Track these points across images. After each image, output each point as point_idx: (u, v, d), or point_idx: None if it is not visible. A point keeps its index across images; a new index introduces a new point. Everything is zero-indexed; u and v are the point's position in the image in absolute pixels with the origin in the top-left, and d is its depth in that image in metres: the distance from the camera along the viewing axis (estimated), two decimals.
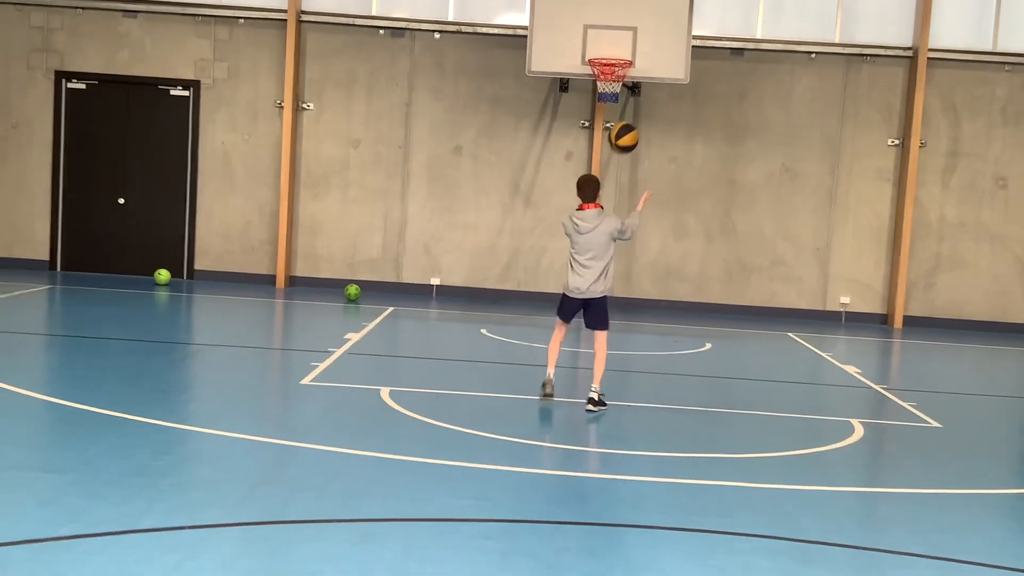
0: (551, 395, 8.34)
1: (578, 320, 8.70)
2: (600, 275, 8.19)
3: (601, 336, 8.33)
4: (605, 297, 8.30)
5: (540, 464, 6.67)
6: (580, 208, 8.24)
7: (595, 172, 14.82)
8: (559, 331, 8.50)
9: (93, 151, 15.36)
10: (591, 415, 8.06)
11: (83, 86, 15.28)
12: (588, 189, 8.26)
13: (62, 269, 15.46)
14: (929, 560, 5.19)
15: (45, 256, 15.41)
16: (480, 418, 7.76)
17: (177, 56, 15.18)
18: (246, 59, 15.23)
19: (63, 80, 15.25)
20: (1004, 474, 7.28)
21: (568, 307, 8.38)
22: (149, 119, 15.33)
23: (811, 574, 4.90)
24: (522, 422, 7.82)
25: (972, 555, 5.30)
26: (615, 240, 8.22)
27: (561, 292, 8.49)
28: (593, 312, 8.32)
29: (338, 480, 5.98)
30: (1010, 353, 13.32)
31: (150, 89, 15.25)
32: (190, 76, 15.21)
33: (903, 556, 5.25)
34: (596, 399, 8.14)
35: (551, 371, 8.41)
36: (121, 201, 15.37)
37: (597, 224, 8.14)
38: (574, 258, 8.26)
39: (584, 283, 8.20)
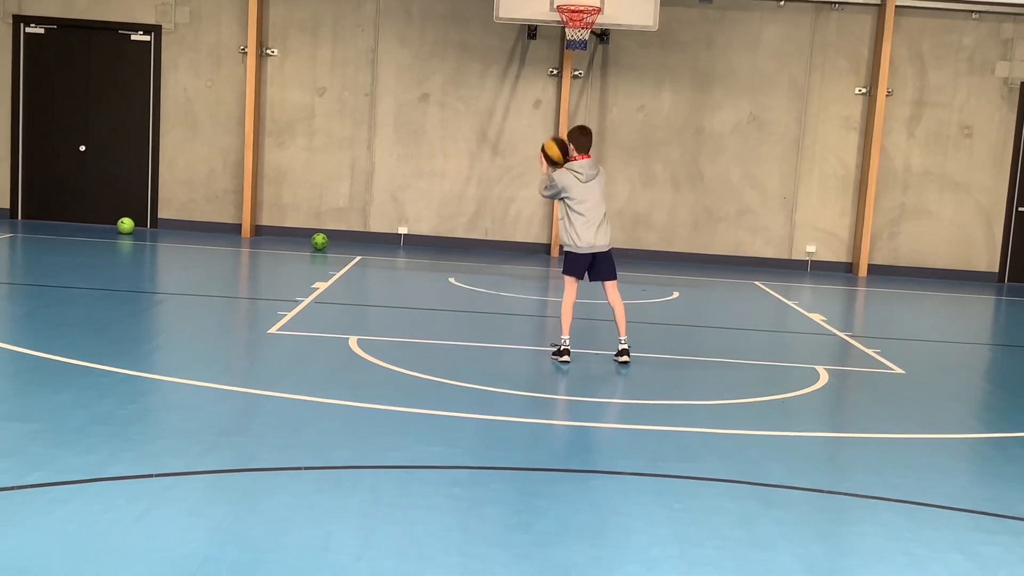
0: (568, 361, 8.11)
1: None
2: (603, 224, 8.13)
3: (613, 286, 8.28)
4: (610, 248, 8.29)
5: (508, 412, 6.69)
6: (573, 159, 8.21)
7: (563, 121, 14.76)
8: (573, 290, 8.24)
9: (53, 98, 15.08)
10: (625, 367, 8.06)
11: (41, 31, 14.95)
12: (584, 140, 8.21)
13: (23, 217, 15.24)
14: (891, 503, 5.28)
15: (6, 204, 15.18)
16: (448, 366, 7.77)
17: (137, 0, 14.88)
18: (208, 3, 14.95)
19: (21, 24, 14.91)
20: (965, 419, 7.40)
21: (579, 263, 8.20)
22: (110, 65, 15.05)
23: (775, 516, 4.97)
24: (490, 370, 7.84)
25: (933, 498, 5.40)
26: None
27: (566, 251, 8.24)
28: (602, 264, 8.22)
29: (307, 428, 5.98)
30: (972, 301, 13.48)
31: (110, 34, 14.96)
32: (151, 21, 14.92)
33: (866, 499, 5.34)
34: (627, 350, 8.16)
35: (568, 335, 8.15)
36: (82, 148, 15.13)
37: (595, 173, 8.16)
38: (575, 212, 8.08)
39: (591, 236, 8.09)
